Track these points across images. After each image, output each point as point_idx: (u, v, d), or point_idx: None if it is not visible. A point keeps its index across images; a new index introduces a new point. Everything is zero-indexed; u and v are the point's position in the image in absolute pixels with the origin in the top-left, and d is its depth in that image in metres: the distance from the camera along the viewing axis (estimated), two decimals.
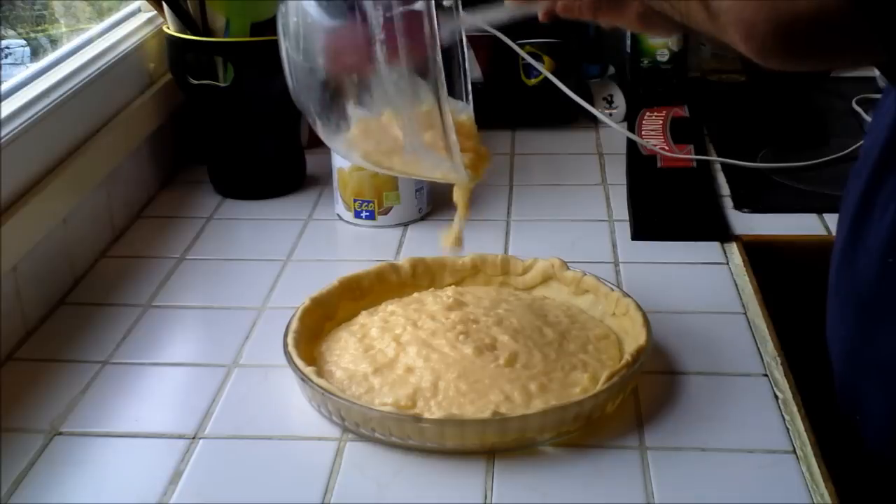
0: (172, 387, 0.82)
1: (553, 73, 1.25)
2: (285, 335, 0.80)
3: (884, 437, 0.76)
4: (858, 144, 1.02)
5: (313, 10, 0.71)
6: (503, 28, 1.24)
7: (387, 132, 0.72)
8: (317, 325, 0.84)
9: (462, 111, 0.83)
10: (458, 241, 0.83)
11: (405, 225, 1.08)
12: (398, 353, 0.78)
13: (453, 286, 0.90)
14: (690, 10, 0.64)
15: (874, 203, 0.73)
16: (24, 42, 1.13)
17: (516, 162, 1.24)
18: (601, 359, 0.79)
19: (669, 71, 1.39)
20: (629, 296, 0.85)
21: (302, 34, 0.72)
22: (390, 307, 0.86)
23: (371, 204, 1.07)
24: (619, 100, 1.35)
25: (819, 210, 1.06)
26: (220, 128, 1.15)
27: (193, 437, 0.74)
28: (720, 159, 1.20)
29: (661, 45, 1.38)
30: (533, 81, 1.30)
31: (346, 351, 0.80)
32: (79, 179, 0.97)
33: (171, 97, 1.18)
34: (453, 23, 0.76)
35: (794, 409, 0.76)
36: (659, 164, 1.20)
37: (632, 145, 1.24)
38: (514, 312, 0.84)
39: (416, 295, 0.88)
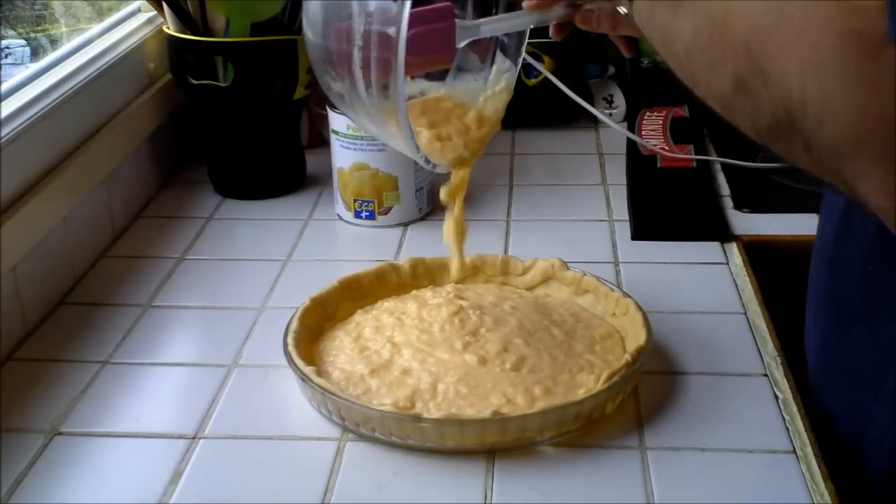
0: (172, 387, 0.82)
1: (553, 73, 1.25)
2: (285, 335, 0.80)
3: (848, 438, 0.77)
4: None
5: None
6: None
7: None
8: (317, 325, 0.84)
9: (506, 72, 0.82)
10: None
11: (405, 225, 1.08)
12: (393, 355, 0.78)
13: (453, 284, 0.90)
14: (824, 175, 0.56)
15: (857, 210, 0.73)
16: (24, 42, 1.13)
17: (516, 162, 1.24)
18: (607, 359, 0.79)
19: (670, 71, 1.39)
20: (629, 296, 0.84)
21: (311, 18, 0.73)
22: (386, 304, 0.86)
23: (371, 204, 1.07)
24: (619, 100, 1.35)
25: (819, 210, 1.06)
26: (220, 128, 1.15)
27: (193, 437, 0.74)
28: (720, 159, 1.20)
29: None
30: (533, 81, 1.30)
31: (342, 351, 0.80)
32: (79, 179, 0.97)
33: (171, 97, 1.18)
34: (470, 31, 0.75)
35: (794, 409, 0.76)
36: (659, 164, 1.20)
37: (632, 145, 1.24)
38: (522, 311, 0.83)
39: (414, 293, 0.88)
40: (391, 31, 0.64)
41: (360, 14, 0.67)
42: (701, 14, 0.57)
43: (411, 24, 0.67)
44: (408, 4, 0.64)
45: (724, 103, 0.58)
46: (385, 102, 0.68)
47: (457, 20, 0.73)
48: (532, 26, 0.79)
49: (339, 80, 0.71)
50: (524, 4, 0.78)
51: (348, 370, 0.78)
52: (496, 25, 0.78)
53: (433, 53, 0.70)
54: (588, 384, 0.74)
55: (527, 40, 0.83)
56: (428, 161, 0.75)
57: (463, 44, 0.74)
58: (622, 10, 0.64)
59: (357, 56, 0.67)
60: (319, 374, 0.76)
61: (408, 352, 0.78)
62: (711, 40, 0.56)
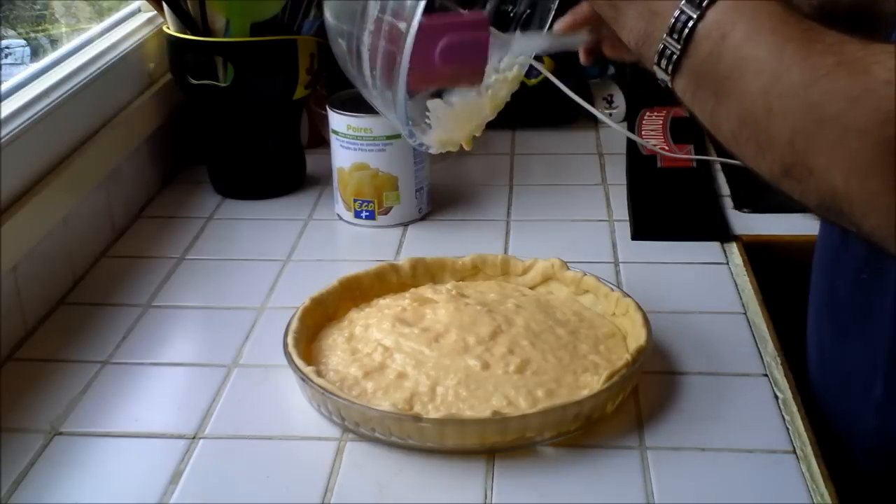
0: (172, 387, 0.82)
1: (553, 73, 1.25)
2: (285, 335, 0.80)
3: (844, 441, 0.77)
4: None
5: None
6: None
7: None
8: (317, 325, 0.84)
9: (520, 55, 0.81)
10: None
11: (405, 225, 1.08)
12: (385, 359, 0.78)
13: (453, 282, 0.90)
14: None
15: None
16: (24, 42, 1.13)
17: (516, 162, 1.24)
18: (611, 359, 0.78)
19: None
20: (629, 296, 0.84)
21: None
22: (382, 302, 0.86)
23: (371, 204, 1.07)
24: (619, 100, 1.35)
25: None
26: (220, 128, 1.15)
27: (193, 437, 0.74)
28: (720, 159, 1.20)
29: None
30: (533, 81, 1.30)
31: (334, 351, 0.80)
32: (79, 179, 0.97)
33: (171, 97, 1.18)
34: (503, 47, 0.75)
35: (794, 409, 0.76)
36: (659, 164, 1.20)
37: (632, 145, 1.24)
38: (527, 310, 0.83)
39: (412, 290, 0.88)
40: (402, 25, 0.65)
41: (377, 1, 0.67)
42: (745, 108, 0.58)
43: (444, 32, 0.67)
44: (422, 3, 0.64)
45: (772, 180, 0.60)
46: (387, 89, 0.68)
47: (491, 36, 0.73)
48: (558, 49, 0.79)
49: (348, 51, 0.71)
50: (556, 27, 0.78)
51: (342, 372, 0.77)
52: (526, 44, 0.78)
53: (463, 65, 0.70)
54: (592, 386, 0.74)
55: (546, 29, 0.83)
56: (421, 144, 0.75)
57: (495, 60, 0.73)
58: (662, 82, 0.64)
59: (367, 40, 0.67)
60: (319, 374, 0.76)
61: (400, 356, 0.78)
62: (757, 131, 0.58)
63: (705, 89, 0.60)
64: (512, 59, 0.81)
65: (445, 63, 0.69)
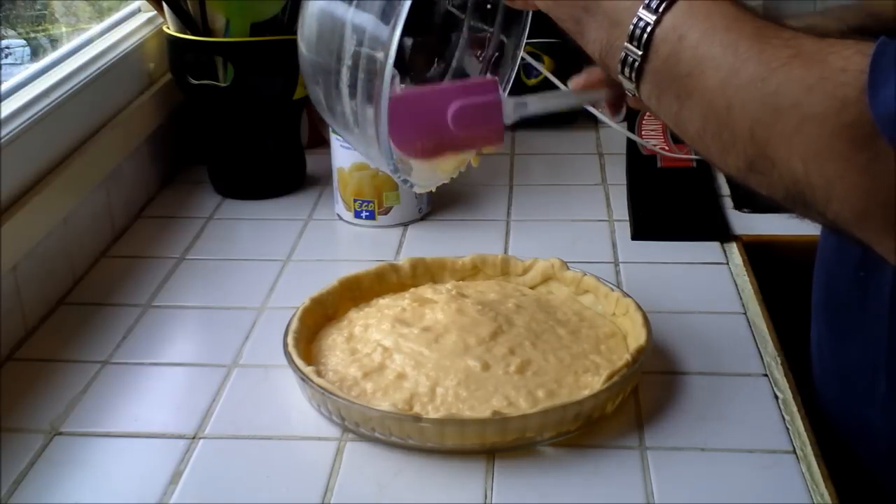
0: (172, 387, 0.82)
1: (553, 73, 1.25)
2: (285, 335, 0.80)
3: (847, 439, 0.78)
4: None
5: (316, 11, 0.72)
6: None
7: None
8: (317, 325, 0.84)
9: None
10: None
11: (405, 225, 1.08)
12: (384, 359, 0.78)
13: (453, 282, 0.90)
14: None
15: None
16: (24, 42, 1.13)
17: (516, 162, 1.24)
18: (612, 359, 0.78)
19: None
20: (629, 296, 0.84)
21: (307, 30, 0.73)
22: (382, 302, 0.86)
23: (371, 204, 1.07)
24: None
25: None
26: (220, 128, 1.15)
27: (193, 437, 0.74)
28: None
29: None
30: (533, 81, 1.30)
31: (333, 351, 0.80)
32: (79, 179, 0.97)
33: (171, 97, 1.18)
34: (517, 108, 0.75)
35: (794, 409, 0.76)
36: (659, 164, 1.20)
37: (632, 145, 1.24)
38: (527, 310, 0.83)
39: (412, 290, 0.88)
40: (379, 55, 0.65)
41: (353, 34, 0.67)
42: (706, 106, 0.59)
43: (452, 97, 0.67)
44: (397, 32, 0.64)
45: (739, 177, 0.60)
46: (367, 123, 0.68)
47: (504, 95, 0.73)
48: (577, 106, 0.79)
49: (326, 91, 0.71)
50: (570, 84, 0.78)
51: (341, 372, 0.77)
52: (543, 103, 0.78)
53: (478, 129, 0.70)
54: (592, 386, 0.74)
55: (518, 62, 0.83)
56: (405, 181, 0.75)
57: (511, 121, 0.73)
58: (629, 91, 0.65)
59: (345, 75, 0.68)
60: (318, 374, 0.76)
61: (399, 356, 0.78)
62: (720, 128, 0.59)
63: (668, 93, 0.61)
64: None
65: (460, 128, 0.70)
